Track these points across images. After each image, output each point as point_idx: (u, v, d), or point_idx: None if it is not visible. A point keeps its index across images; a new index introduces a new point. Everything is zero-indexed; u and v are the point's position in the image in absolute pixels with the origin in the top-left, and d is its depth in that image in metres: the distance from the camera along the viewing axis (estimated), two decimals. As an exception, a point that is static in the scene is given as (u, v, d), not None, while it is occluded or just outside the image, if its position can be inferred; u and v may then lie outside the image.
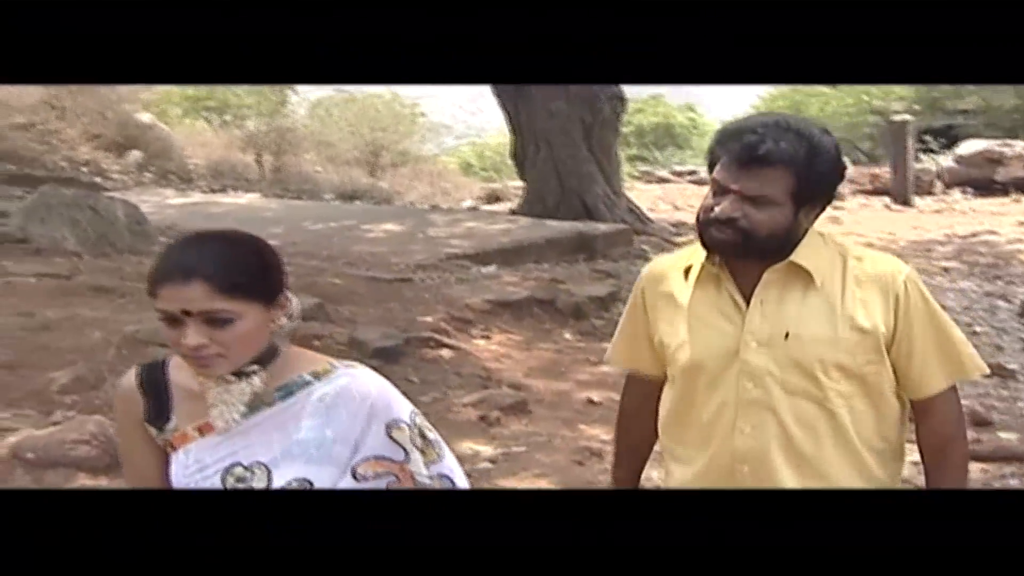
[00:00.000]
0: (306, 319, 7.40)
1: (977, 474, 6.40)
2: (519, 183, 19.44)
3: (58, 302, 8.51)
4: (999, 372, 8.60)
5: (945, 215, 20.23)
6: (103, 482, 5.48)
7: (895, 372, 2.83)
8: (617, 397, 3.39)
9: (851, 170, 25.82)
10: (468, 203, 23.11)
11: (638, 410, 3.16)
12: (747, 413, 2.81)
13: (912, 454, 2.97)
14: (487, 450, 6.50)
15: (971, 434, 6.98)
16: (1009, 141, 24.03)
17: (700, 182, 23.21)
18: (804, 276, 2.79)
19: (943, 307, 2.93)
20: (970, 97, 29.33)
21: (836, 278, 2.80)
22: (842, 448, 2.81)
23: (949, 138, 26.80)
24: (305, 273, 9.90)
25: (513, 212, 17.47)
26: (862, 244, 15.66)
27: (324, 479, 2.36)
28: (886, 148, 25.89)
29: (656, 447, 3.19)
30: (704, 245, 2.81)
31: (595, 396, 7.77)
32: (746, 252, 2.76)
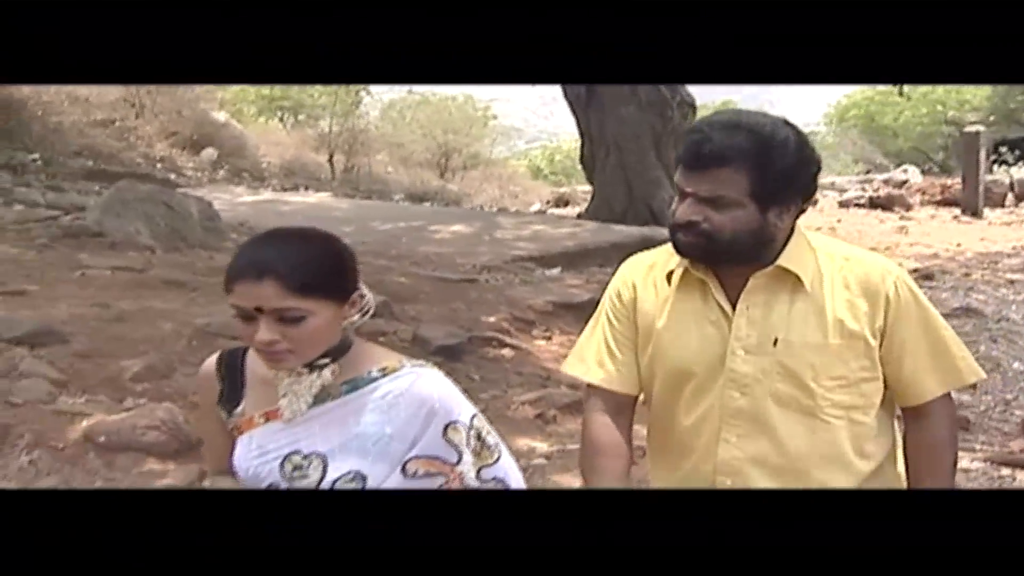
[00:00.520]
0: (372, 316, 7.55)
1: (1025, 482, 6.45)
2: (588, 188, 19.53)
3: (132, 294, 8.73)
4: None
5: (1014, 228, 20.03)
6: (170, 467, 5.66)
7: (887, 377, 2.71)
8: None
9: (922, 180, 25.70)
10: (536, 207, 23.24)
11: (609, 431, 2.84)
12: (732, 422, 2.70)
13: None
14: (543, 447, 6.59)
15: (1022, 443, 7.05)
16: (1083, 154, 23.75)
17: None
18: (792, 280, 2.66)
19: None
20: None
21: (825, 281, 2.67)
22: (834, 462, 2.68)
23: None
24: (373, 272, 10.04)
25: (580, 216, 17.57)
26: (924, 255, 15.51)
27: (376, 474, 2.38)
28: (958, 159, 25.68)
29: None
30: (676, 251, 2.69)
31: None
32: (715, 255, 2.64)
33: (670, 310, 2.76)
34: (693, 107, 17.52)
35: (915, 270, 13.34)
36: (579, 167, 20.00)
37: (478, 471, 2.46)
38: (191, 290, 9.04)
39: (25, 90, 18.73)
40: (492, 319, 9.09)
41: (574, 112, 17.71)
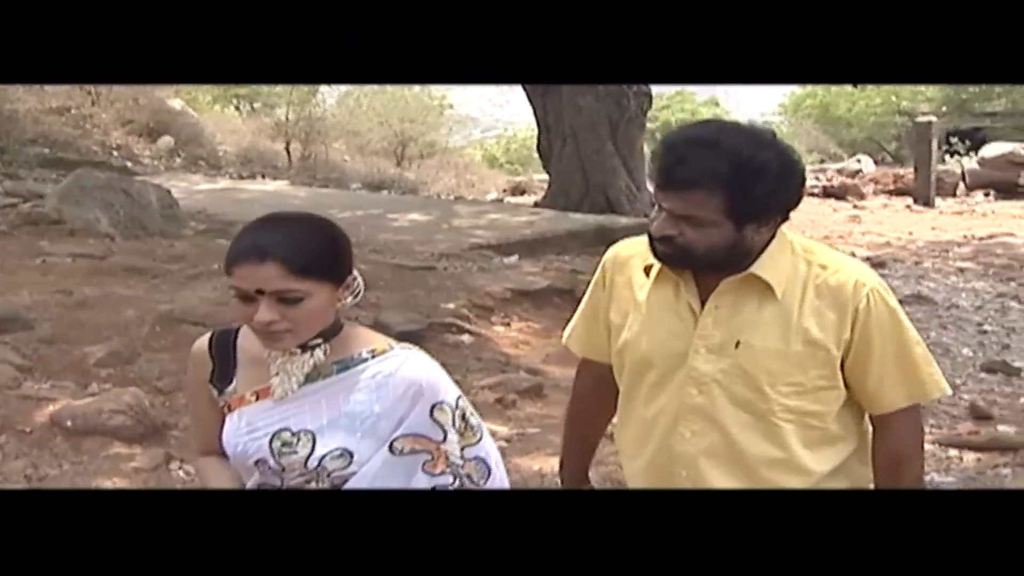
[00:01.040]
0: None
1: (971, 463, 6.64)
2: (544, 176, 19.58)
3: (93, 281, 8.79)
4: (1004, 369, 8.87)
5: (965, 217, 20.32)
6: (137, 450, 5.74)
7: (852, 385, 2.72)
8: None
9: (875, 169, 25.94)
10: (493, 195, 23.29)
11: (591, 396, 3.10)
12: (688, 419, 2.74)
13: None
14: (503, 430, 6.72)
15: (969, 426, 7.24)
16: (1033, 144, 23.99)
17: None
18: (763, 285, 2.67)
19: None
20: (999, 100, 29.31)
21: (796, 289, 2.67)
22: (783, 464, 2.71)
23: (976, 141, 26.78)
24: (332, 259, 10.06)
25: (537, 205, 17.64)
26: (877, 244, 15.68)
27: (363, 451, 2.43)
28: (911, 149, 25.92)
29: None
30: (655, 257, 2.72)
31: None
32: (691, 265, 2.68)
33: (644, 300, 2.81)
34: (649, 97, 17.59)
35: (867, 258, 13.52)
36: (535, 156, 20.02)
37: (461, 450, 2.50)
38: (152, 277, 9.09)
39: (-22, 79, 18.53)
40: (451, 306, 9.15)
41: (531, 101, 17.72)
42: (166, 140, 20.91)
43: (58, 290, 8.31)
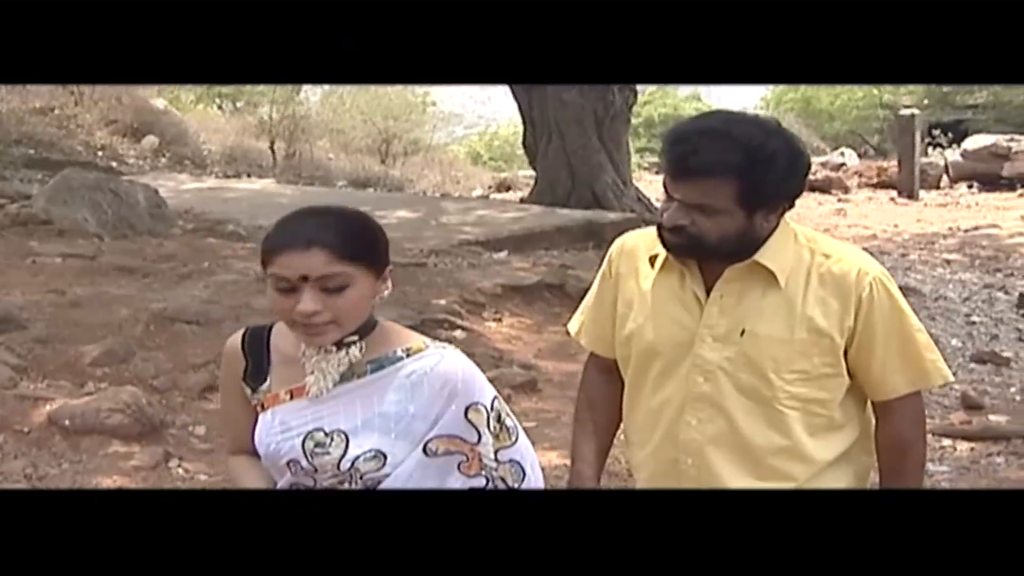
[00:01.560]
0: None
1: (965, 452, 6.69)
2: (529, 172, 19.62)
3: (85, 281, 8.79)
4: (993, 359, 8.95)
5: (949, 209, 20.44)
6: (135, 448, 5.76)
7: (855, 372, 2.76)
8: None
9: (858, 163, 26.02)
10: (478, 192, 23.30)
11: (600, 390, 3.08)
12: (695, 406, 2.77)
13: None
14: (499, 425, 6.74)
15: (961, 416, 7.29)
16: (1017, 136, 24.06)
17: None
18: (767, 274, 2.71)
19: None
20: (980, 93, 29.39)
21: (800, 277, 2.71)
22: (788, 451, 2.75)
23: (958, 133, 26.86)
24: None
25: (523, 201, 17.66)
26: (863, 237, 15.75)
27: (397, 452, 2.40)
28: (894, 142, 26.01)
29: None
30: (665, 249, 2.76)
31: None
32: (701, 255, 2.72)
33: (649, 290, 2.84)
34: (635, 92, 17.65)
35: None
36: (518, 152, 20.06)
37: (496, 452, 2.48)
38: (143, 276, 9.09)
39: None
40: (443, 302, 9.15)
41: (516, 97, 17.76)
42: (150, 140, 20.84)
43: (50, 290, 8.30)
